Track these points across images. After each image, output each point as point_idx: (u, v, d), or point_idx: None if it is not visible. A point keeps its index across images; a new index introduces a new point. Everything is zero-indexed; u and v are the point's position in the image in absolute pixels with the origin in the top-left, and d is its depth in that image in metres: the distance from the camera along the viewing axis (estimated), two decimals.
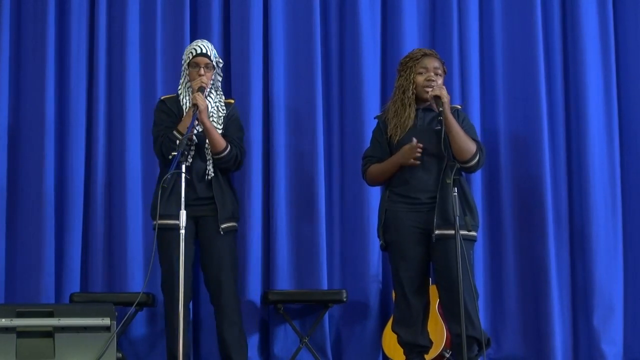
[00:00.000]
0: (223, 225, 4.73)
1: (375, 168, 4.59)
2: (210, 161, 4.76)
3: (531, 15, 5.68)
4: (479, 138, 5.50)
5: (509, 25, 5.76)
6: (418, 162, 4.41)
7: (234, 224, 4.84)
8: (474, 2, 5.73)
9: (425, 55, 4.57)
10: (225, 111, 4.84)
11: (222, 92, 4.93)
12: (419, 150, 4.39)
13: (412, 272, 4.45)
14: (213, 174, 4.76)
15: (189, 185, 4.68)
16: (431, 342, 4.55)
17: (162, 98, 4.96)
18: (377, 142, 4.63)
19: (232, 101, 4.98)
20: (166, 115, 4.82)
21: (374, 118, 4.78)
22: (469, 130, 4.54)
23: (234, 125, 4.87)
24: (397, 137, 4.48)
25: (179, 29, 5.66)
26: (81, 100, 5.64)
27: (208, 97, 4.78)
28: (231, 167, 4.81)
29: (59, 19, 5.70)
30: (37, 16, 5.67)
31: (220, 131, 4.77)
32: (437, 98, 4.42)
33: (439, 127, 4.36)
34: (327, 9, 5.78)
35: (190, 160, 4.72)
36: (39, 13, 5.66)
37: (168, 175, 4.29)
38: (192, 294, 4.94)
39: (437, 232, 4.34)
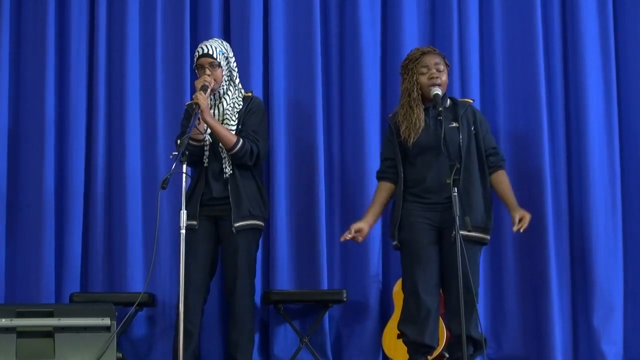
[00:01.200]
0: (237, 224, 4.71)
1: (375, 192, 4.75)
2: (227, 159, 4.74)
3: (531, 15, 5.68)
4: None
5: (509, 25, 5.76)
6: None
7: (252, 222, 4.75)
8: (474, 2, 5.73)
9: (423, 53, 4.58)
10: (241, 106, 4.83)
11: (240, 86, 4.89)
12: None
13: (425, 269, 4.46)
14: (230, 172, 4.74)
15: (206, 185, 4.72)
16: (437, 343, 4.54)
17: (186, 105, 4.96)
18: (389, 142, 4.69)
19: (250, 94, 4.94)
20: (187, 121, 4.83)
21: (385, 118, 4.82)
22: (487, 131, 4.64)
23: (252, 118, 4.80)
24: (412, 140, 4.51)
25: (179, 29, 5.66)
26: (81, 100, 5.64)
27: (225, 95, 4.78)
28: (247, 161, 4.72)
29: (59, 19, 5.70)
30: (37, 16, 5.67)
31: (234, 127, 4.75)
32: (437, 97, 4.45)
33: (454, 125, 4.44)
34: (327, 8, 5.78)
35: (206, 161, 4.73)
36: (39, 13, 5.66)
37: (168, 176, 4.29)
38: (206, 294, 4.90)
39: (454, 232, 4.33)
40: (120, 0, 5.68)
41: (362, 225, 4.62)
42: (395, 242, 4.57)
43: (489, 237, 4.57)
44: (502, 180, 4.64)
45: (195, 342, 4.76)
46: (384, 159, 4.74)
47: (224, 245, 4.80)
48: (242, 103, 4.83)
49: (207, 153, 4.75)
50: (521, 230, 4.55)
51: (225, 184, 4.73)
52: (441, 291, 4.62)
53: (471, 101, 4.71)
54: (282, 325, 5.49)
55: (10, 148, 5.61)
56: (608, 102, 5.68)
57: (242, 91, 4.89)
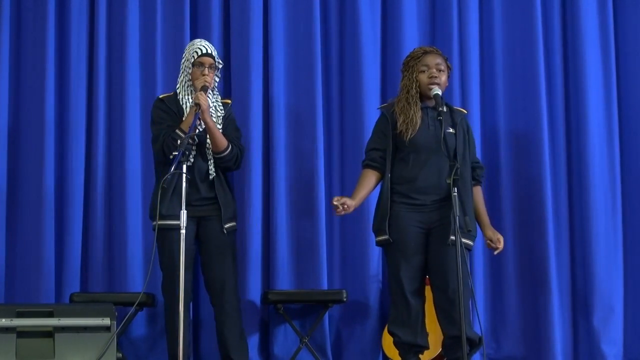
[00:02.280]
0: (226, 225, 4.73)
1: (360, 179, 4.60)
2: (212, 161, 4.75)
3: (531, 15, 5.69)
4: (479, 139, 5.54)
5: (509, 25, 5.76)
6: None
7: (235, 223, 4.84)
8: (474, 2, 5.74)
9: (425, 52, 4.58)
10: (223, 111, 4.85)
11: (218, 93, 4.94)
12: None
13: (413, 272, 4.45)
14: (215, 174, 4.75)
15: (192, 185, 4.68)
16: (428, 343, 4.55)
17: (160, 97, 4.95)
18: (382, 134, 4.61)
19: (229, 101, 4.98)
20: (166, 114, 4.81)
21: (378, 108, 4.79)
22: (472, 145, 4.60)
23: (231, 125, 4.88)
24: (409, 136, 4.47)
25: (179, 29, 5.66)
26: (81, 100, 5.63)
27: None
28: (232, 166, 4.81)
29: (59, 19, 5.69)
30: (37, 16, 5.66)
31: (220, 131, 4.77)
32: (437, 97, 4.45)
33: (451, 131, 4.43)
34: (327, 9, 5.78)
35: (192, 160, 4.72)
36: (39, 13, 5.66)
37: (168, 176, 4.29)
38: (192, 294, 4.93)
39: (452, 237, 4.32)
40: (120, 0, 5.68)
41: (351, 202, 4.46)
42: (385, 237, 4.46)
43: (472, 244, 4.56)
44: (478, 194, 4.66)
45: (187, 343, 4.75)
46: (372, 149, 4.62)
47: (206, 246, 4.78)
48: (222, 108, 4.85)
49: (193, 152, 4.74)
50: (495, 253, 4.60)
51: (210, 185, 4.74)
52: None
53: (465, 112, 4.70)
54: (282, 325, 5.49)
55: (10, 148, 5.60)
56: (608, 102, 5.69)
57: (220, 97, 4.91)
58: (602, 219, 5.57)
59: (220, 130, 4.77)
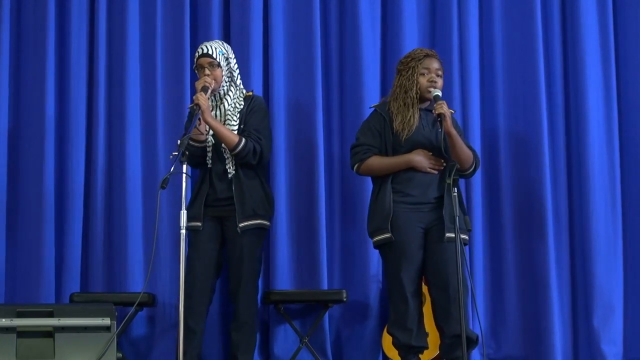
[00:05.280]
0: (241, 224, 4.72)
1: (379, 161, 4.55)
2: (230, 159, 4.75)
3: (531, 16, 5.68)
4: (479, 139, 5.55)
5: (509, 25, 5.76)
6: (435, 172, 4.43)
7: (257, 221, 4.76)
8: (474, 2, 5.73)
9: (427, 55, 4.59)
10: (242, 106, 4.83)
11: (242, 87, 4.91)
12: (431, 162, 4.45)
13: (413, 273, 4.46)
14: (234, 172, 4.74)
15: (211, 186, 4.73)
16: (427, 342, 4.55)
17: (189, 107, 4.98)
18: (377, 132, 4.60)
19: (251, 93, 4.94)
20: (190, 123, 4.84)
21: (370, 107, 4.77)
22: (461, 136, 4.59)
23: (253, 117, 4.81)
24: (405, 136, 4.48)
25: (179, 29, 5.66)
26: (81, 100, 5.63)
27: (226, 96, 4.79)
28: (250, 160, 4.72)
29: (59, 19, 5.69)
30: (37, 16, 5.67)
31: (235, 127, 4.75)
32: (437, 98, 4.45)
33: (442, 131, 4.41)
34: (327, 8, 5.78)
35: (209, 162, 4.73)
36: (39, 13, 5.66)
37: (168, 176, 4.29)
38: (211, 296, 4.91)
39: (447, 234, 4.33)
40: (120, 1, 5.68)
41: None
42: (387, 235, 4.45)
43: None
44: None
45: (199, 342, 4.78)
46: (368, 144, 4.58)
47: (228, 246, 4.81)
48: (243, 103, 4.84)
49: (210, 154, 4.75)
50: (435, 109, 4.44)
51: (230, 184, 4.74)
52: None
53: (452, 112, 4.67)
54: (282, 325, 5.49)
55: (10, 148, 5.60)
56: (608, 103, 5.69)
57: (244, 91, 4.91)
58: (602, 219, 5.57)
59: (237, 126, 4.75)
